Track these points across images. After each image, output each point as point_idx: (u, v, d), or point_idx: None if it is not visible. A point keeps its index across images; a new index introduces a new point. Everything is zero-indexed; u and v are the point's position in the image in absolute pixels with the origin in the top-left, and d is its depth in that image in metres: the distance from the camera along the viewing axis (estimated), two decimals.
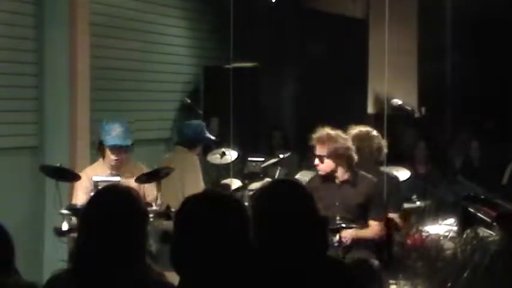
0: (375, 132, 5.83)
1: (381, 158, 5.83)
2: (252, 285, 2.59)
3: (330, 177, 5.32)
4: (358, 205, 5.23)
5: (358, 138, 5.62)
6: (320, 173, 5.35)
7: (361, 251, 5.11)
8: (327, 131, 5.33)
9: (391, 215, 5.60)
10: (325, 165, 5.30)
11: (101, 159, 5.82)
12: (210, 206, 2.55)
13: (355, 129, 5.74)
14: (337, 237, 4.97)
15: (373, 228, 5.25)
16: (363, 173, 5.36)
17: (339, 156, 5.27)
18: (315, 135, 5.36)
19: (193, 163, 6.43)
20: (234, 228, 2.52)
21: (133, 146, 5.79)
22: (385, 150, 5.81)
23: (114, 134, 5.64)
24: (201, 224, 2.50)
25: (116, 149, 5.64)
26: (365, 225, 5.23)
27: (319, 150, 5.31)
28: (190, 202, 2.59)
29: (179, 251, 2.52)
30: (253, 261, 2.59)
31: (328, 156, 5.27)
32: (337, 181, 5.31)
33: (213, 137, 6.95)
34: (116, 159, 5.66)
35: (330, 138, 5.31)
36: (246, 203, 6.17)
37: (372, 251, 5.21)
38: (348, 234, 5.07)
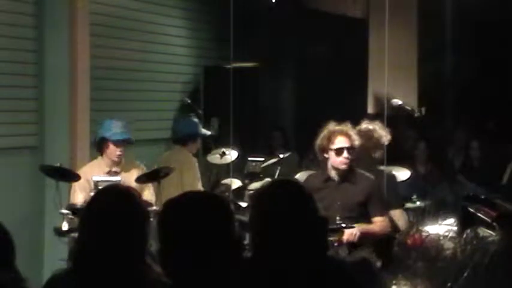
0: (377, 129, 5.83)
1: (379, 156, 5.83)
2: (251, 286, 2.59)
3: (338, 175, 5.27)
4: (359, 203, 5.20)
5: (359, 136, 5.62)
6: (344, 167, 5.18)
7: (361, 251, 5.10)
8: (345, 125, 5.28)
9: (394, 212, 5.60)
10: (351, 158, 5.18)
11: (98, 158, 5.88)
12: (190, 207, 2.53)
13: (359, 126, 5.75)
14: (345, 234, 4.94)
15: (379, 223, 5.20)
16: (361, 171, 5.34)
17: (356, 149, 5.25)
18: (337, 127, 5.23)
19: (189, 162, 6.43)
20: (219, 226, 2.50)
21: (133, 142, 5.87)
22: (386, 142, 5.80)
23: (117, 129, 5.73)
24: (183, 226, 2.48)
25: (120, 143, 5.74)
26: (368, 222, 5.20)
27: (346, 142, 5.17)
28: (171, 204, 2.57)
29: (165, 255, 2.50)
30: (250, 260, 2.59)
31: (354, 147, 5.18)
32: (336, 180, 5.28)
33: (208, 132, 6.97)
34: (119, 154, 5.77)
35: (351, 130, 5.25)
36: (246, 203, 6.23)
37: (372, 251, 5.20)
38: (355, 230, 4.98)
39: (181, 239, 2.46)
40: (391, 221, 5.51)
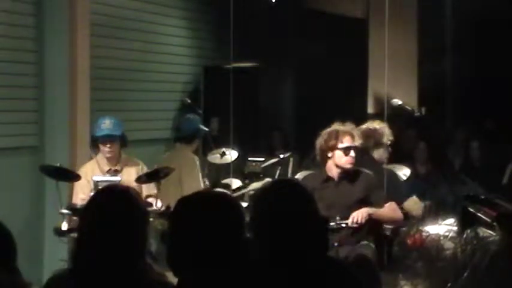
0: (378, 129, 5.84)
1: (381, 155, 5.83)
2: (252, 285, 2.59)
3: (339, 174, 5.27)
4: (358, 201, 5.19)
5: (361, 135, 5.63)
6: (349, 166, 5.22)
7: (360, 248, 5.09)
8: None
9: (408, 202, 5.61)
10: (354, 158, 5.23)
11: (97, 156, 5.90)
12: (204, 206, 2.55)
13: (363, 125, 5.77)
14: (350, 217, 4.94)
15: (388, 208, 5.19)
16: (359, 168, 5.33)
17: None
18: (343, 127, 5.26)
19: (191, 161, 6.44)
20: (230, 226, 2.51)
21: (126, 141, 5.87)
22: (388, 142, 5.82)
23: (103, 126, 5.74)
24: (195, 225, 2.50)
25: (107, 140, 5.76)
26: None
27: (352, 142, 5.21)
28: (185, 203, 2.59)
29: (175, 253, 2.51)
30: (250, 260, 2.59)
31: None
32: (335, 179, 5.28)
33: (206, 129, 6.99)
34: (108, 151, 5.78)
35: (356, 132, 5.29)
36: (246, 203, 6.23)
37: (372, 250, 5.19)
38: (363, 210, 5.01)
39: (191, 238, 2.47)
40: (404, 212, 5.51)
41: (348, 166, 5.23)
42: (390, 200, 5.43)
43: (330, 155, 5.25)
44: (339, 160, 5.23)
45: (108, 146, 5.77)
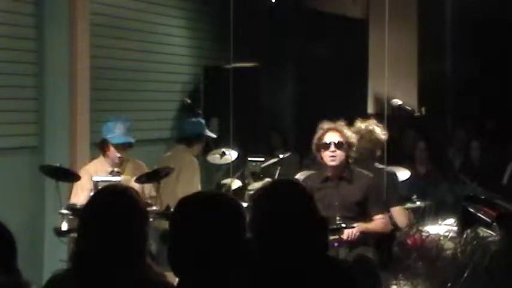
0: (374, 128, 5.82)
1: (378, 154, 5.82)
2: (252, 285, 2.59)
3: (333, 173, 5.25)
4: (357, 202, 5.19)
5: (360, 136, 5.61)
6: (333, 163, 5.17)
7: (360, 249, 5.10)
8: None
9: (393, 209, 5.58)
10: (342, 154, 5.17)
11: (101, 156, 5.90)
12: (204, 206, 2.55)
13: (356, 125, 5.74)
14: (344, 233, 4.94)
15: (379, 221, 5.20)
16: (359, 169, 5.33)
17: (351, 146, 5.24)
18: (328, 124, 5.23)
19: (190, 163, 6.43)
20: (230, 227, 2.52)
21: (133, 145, 5.90)
22: (384, 139, 5.79)
23: (118, 132, 5.78)
24: (196, 225, 2.50)
25: (121, 146, 5.79)
26: (366, 221, 5.19)
27: (334, 137, 5.17)
28: (185, 203, 2.59)
29: (176, 253, 2.52)
30: (250, 260, 2.59)
31: (345, 143, 5.17)
32: (334, 179, 5.26)
33: (213, 135, 6.97)
34: (120, 157, 5.82)
35: (343, 126, 5.25)
36: (246, 203, 6.23)
37: (371, 249, 5.20)
38: (355, 229, 4.99)
39: (191, 238, 2.47)
40: (391, 219, 5.51)
41: (330, 163, 5.19)
42: (387, 203, 5.44)
43: (321, 154, 5.25)
44: (323, 157, 5.22)
45: (120, 152, 5.81)
